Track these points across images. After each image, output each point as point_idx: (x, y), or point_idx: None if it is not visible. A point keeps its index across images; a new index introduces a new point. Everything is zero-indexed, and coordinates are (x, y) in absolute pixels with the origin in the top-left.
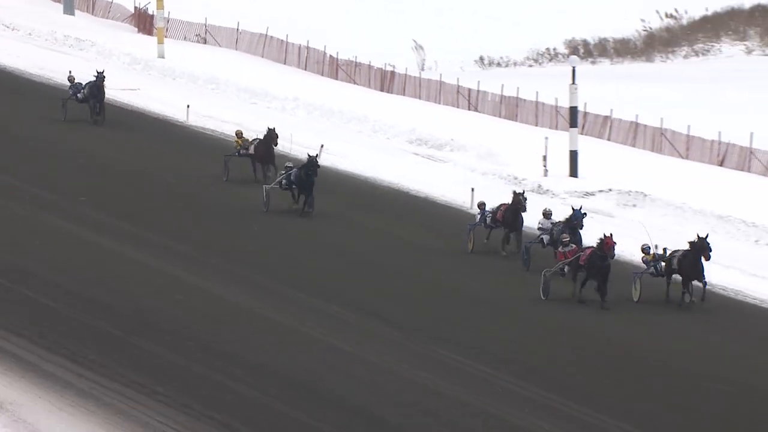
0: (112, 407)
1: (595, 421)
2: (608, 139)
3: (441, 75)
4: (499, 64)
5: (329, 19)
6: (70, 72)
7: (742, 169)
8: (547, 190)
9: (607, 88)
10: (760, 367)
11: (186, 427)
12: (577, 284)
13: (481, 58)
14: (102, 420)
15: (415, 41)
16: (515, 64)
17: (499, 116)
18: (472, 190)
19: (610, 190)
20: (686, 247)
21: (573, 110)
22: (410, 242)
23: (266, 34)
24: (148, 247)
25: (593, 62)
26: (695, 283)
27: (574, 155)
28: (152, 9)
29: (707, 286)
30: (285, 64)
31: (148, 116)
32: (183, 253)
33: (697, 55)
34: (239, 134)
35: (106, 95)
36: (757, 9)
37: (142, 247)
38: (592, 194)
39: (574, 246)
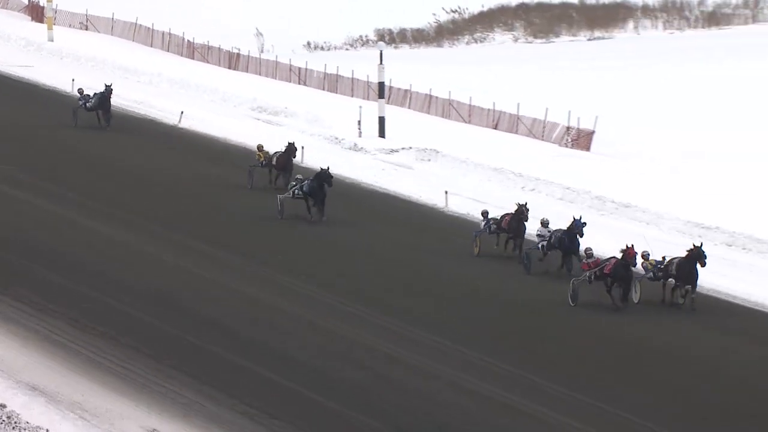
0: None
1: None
2: (408, 108)
3: (277, 56)
4: (322, 48)
5: (187, 9)
6: (73, 81)
7: (511, 131)
8: (361, 148)
9: (407, 67)
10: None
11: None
12: (610, 291)
13: (309, 43)
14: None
15: (257, 29)
16: (335, 47)
17: (323, 89)
18: (302, 147)
19: (410, 147)
20: (683, 254)
21: (381, 85)
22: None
23: (136, 23)
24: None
25: (396, 47)
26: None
27: (381, 120)
28: (43, 1)
29: (695, 294)
30: (151, 46)
31: (40, 88)
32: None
33: (476, 42)
34: (260, 147)
35: (113, 104)
36: (521, 6)
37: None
38: (396, 151)
39: (597, 257)
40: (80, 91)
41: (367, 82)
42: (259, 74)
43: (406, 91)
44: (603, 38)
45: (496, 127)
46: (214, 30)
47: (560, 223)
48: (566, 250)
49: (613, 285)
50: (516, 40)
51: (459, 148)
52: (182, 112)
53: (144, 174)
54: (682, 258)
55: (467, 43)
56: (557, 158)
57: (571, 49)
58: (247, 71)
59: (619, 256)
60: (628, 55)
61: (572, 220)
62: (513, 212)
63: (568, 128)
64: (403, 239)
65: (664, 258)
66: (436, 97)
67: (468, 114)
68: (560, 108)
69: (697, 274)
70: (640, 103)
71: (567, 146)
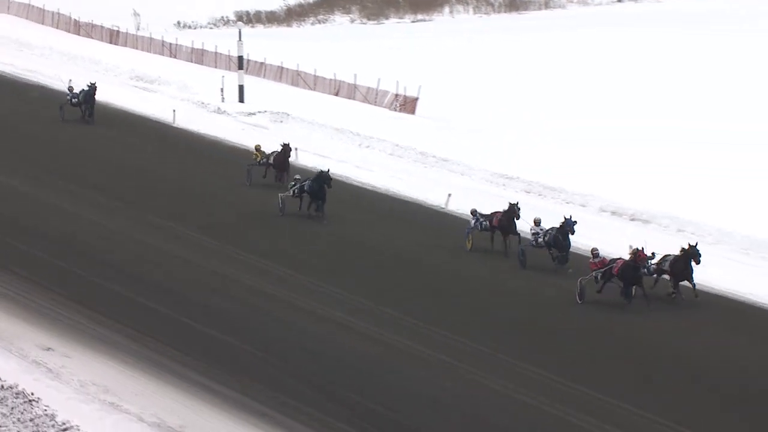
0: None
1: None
2: (263, 77)
3: (151, 33)
4: (190, 27)
5: None
6: (70, 81)
7: (350, 98)
8: (224, 111)
9: (261, 43)
10: None
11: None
12: (622, 290)
13: (178, 22)
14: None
15: (134, 9)
16: (201, 26)
17: (191, 62)
18: (174, 110)
19: (266, 111)
20: (678, 252)
21: (240, 58)
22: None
23: (29, 4)
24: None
25: (252, 26)
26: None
27: (241, 88)
28: None
29: (696, 286)
30: (43, 24)
31: None
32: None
33: (320, 23)
34: (258, 147)
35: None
36: None
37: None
38: (253, 114)
39: (603, 257)
40: (70, 88)
41: (228, 55)
42: (136, 49)
43: (261, 63)
44: (424, 20)
45: (337, 94)
46: (97, 10)
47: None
48: (560, 247)
49: (625, 285)
50: (353, 21)
51: (306, 111)
52: (70, 80)
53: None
54: (677, 255)
55: (312, 24)
56: (388, 120)
57: (398, 29)
58: (125, 46)
59: (625, 257)
60: (445, 35)
61: (564, 218)
62: (504, 210)
63: (396, 95)
64: (260, 188)
65: (653, 254)
66: (287, 69)
67: (313, 83)
68: (390, 78)
69: (692, 271)
70: (457, 73)
71: (396, 110)
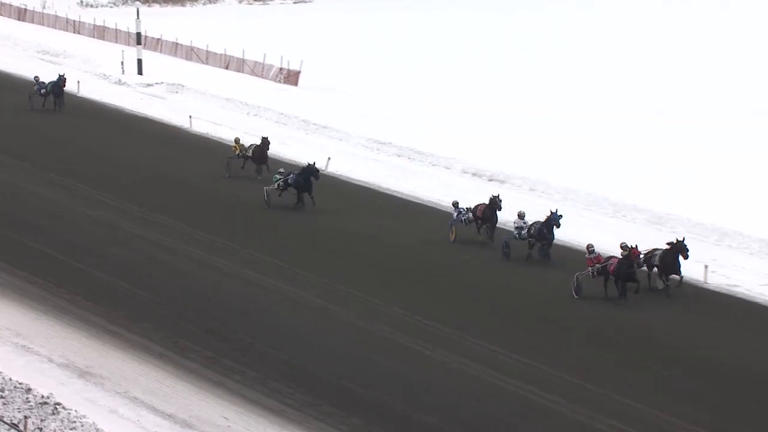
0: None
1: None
2: (160, 52)
3: (56, 11)
4: (92, 6)
5: None
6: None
7: (239, 71)
8: (124, 83)
9: (158, 21)
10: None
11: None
12: (608, 287)
13: (81, 1)
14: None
15: None
16: (102, 5)
17: (94, 37)
18: (78, 82)
19: (162, 82)
20: (665, 247)
21: (138, 34)
22: None
23: None
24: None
25: (150, 6)
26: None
27: (139, 62)
28: None
29: (683, 279)
30: None
31: None
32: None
33: (210, 3)
34: (237, 140)
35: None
36: None
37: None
38: (151, 85)
39: (598, 253)
40: (36, 78)
41: (128, 32)
42: (43, 25)
43: (157, 39)
44: (305, 2)
45: (227, 68)
46: None
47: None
48: (544, 240)
49: (616, 281)
50: (240, 1)
51: (199, 83)
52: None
53: None
54: (666, 250)
55: (204, 4)
56: (273, 91)
57: (281, 9)
58: (33, 23)
59: (616, 255)
60: (326, 12)
61: (549, 213)
62: (487, 203)
63: (281, 69)
64: (159, 152)
65: (635, 248)
66: (181, 45)
67: (205, 57)
68: (275, 53)
69: (680, 265)
70: (337, 48)
71: (280, 82)
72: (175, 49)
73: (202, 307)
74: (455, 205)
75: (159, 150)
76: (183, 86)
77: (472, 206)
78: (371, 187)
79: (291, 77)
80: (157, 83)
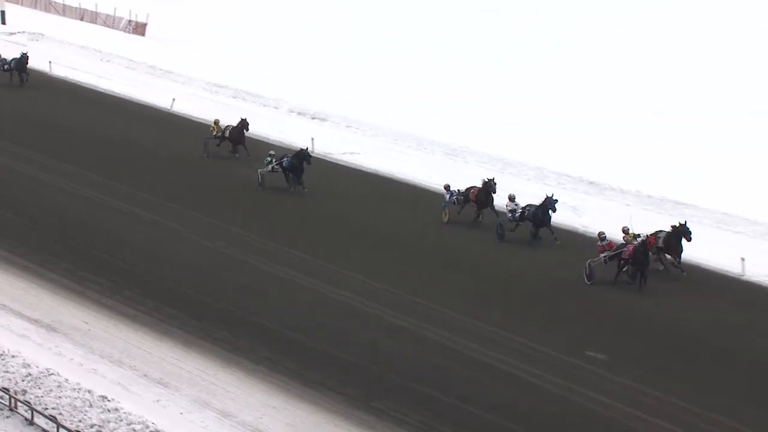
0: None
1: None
2: (21, 5)
3: None
4: None
5: None
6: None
7: (93, 22)
8: None
9: None
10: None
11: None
12: (620, 272)
13: None
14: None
15: None
16: None
17: None
18: None
19: (24, 32)
20: (668, 229)
21: None
22: None
23: None
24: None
25: None
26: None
27: (2, 13)
28: None
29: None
30: None
31: None
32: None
33: None
34: (216, 122)
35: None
36: None
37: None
38: (14, 33)
39: (609, 240)
40: None
41: None
42: None
43: None
44: None
45: (82, 19)
46: None
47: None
48: (540, 223)
49: (629, 268)
50: None
51: (57, 33)
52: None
53: None
54: (668, 233)
55: None
56: (123, 41)
57: None
58: None
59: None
60: None
61: (545, 197)
62: (480, 186)
63: (129, 21)
64: (18, 93)
65: (639, 235)
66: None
67: (62, 10)
68: (124, 6)
69: (682, 248)
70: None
71: (129, 33)
72: (35, 2)
73: (69, 231)
74: (447, 187)
75: (19, 91)
76: (43, 35)
77: (464, 189)
78: (209, 123)
79: (139, 28)
80: (19, 32)
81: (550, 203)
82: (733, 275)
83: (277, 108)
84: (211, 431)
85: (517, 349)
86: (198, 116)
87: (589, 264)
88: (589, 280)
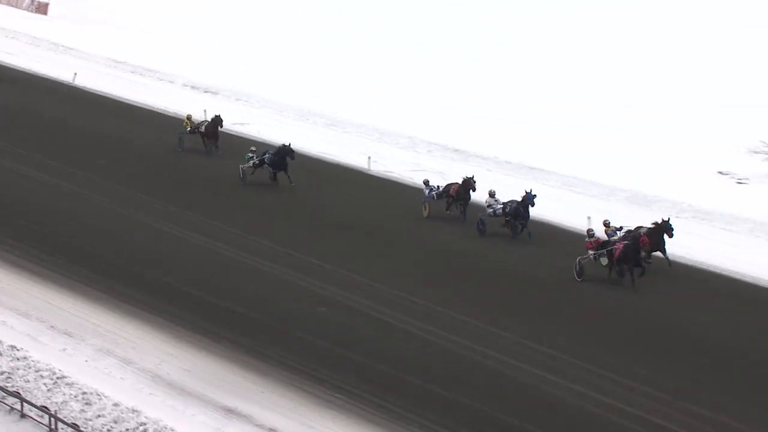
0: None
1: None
2: None
3: None
4: None
5: None
6: None
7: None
8: None
9: None
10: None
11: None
12: (612, 270)
13: None
14: None
15: None
16: None
17: None
18: None
19: None
20: (650, 225)
21: None
22: None
23: None
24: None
25: None
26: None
27: None
28: None
29: (669, 257)
30: None
31: None
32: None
33: None
34: (189, 117)
35: None
36: None
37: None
38: None
39: (597, 237)
40: None
41: None
42: None
43: None
44: None
45: None
46: None
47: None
48: (522, 218)
49: (621, 266)
50: None
51: None
52: None
53: None
54: (650, 228)
55: None
56: (27, 19)
57: None
58: None
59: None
60: None
61: (525, 193)
62: (460, 182)
63: (33, 0)
64: None
65: (621, 227)
66: None
67: None
68: None
69: (664, 243)
70: None
71: (32, 12)
72: None
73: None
74: (426, 183)
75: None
76: None
77: (443, 185)
78: (110, 96)
79: (41, 7)
80: None
81: (529, 198)
82: (581, 232)
83: (172, 82)
84: (114, 376)
85: (448, 323)
86: (98, 89)
87: (579, 261)
88: (579, 277)
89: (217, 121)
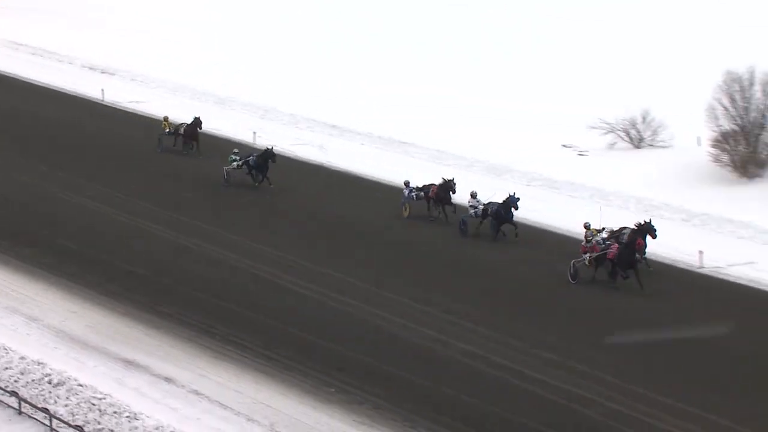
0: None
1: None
2: None
3: None
4: None
5: None
6: None
7: None
8: None
9: None
10: None
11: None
12: (597, 270)
13: None
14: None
15: None
16: None
17: None
18: None
19: None
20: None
21: None
22: None
23: None
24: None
25: None
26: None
27: None
28: None
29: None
30: None
31: None
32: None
33: None
34: (166, 118)
35: None
36: None
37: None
38: None
39: (595, 242)
40: None
41: None
42: None
43: None
44: None
45: None
46: None
47: None
48: (502, 220)
49: (615, 267)
50: None
51: None
52: None
53: None
54: (633, 230)
55: None
56: None
57: None
58: None
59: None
60: None
61: (508, 195)
62: (440, 184)
63: None
64: None
65: (603, 228)
66: None
67: None
68: None
69: (646, 244)
70: None
71: None
72: None
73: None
74: (406, 184)
75: None
76: None
77: (422, 186)
78: (11, 75)
79: None
80: None
81: (512, 201)
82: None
83: (71, 63)
84: (21, 333)
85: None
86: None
87: (573, 264)
88: (573, 279)
89: (197, 123)
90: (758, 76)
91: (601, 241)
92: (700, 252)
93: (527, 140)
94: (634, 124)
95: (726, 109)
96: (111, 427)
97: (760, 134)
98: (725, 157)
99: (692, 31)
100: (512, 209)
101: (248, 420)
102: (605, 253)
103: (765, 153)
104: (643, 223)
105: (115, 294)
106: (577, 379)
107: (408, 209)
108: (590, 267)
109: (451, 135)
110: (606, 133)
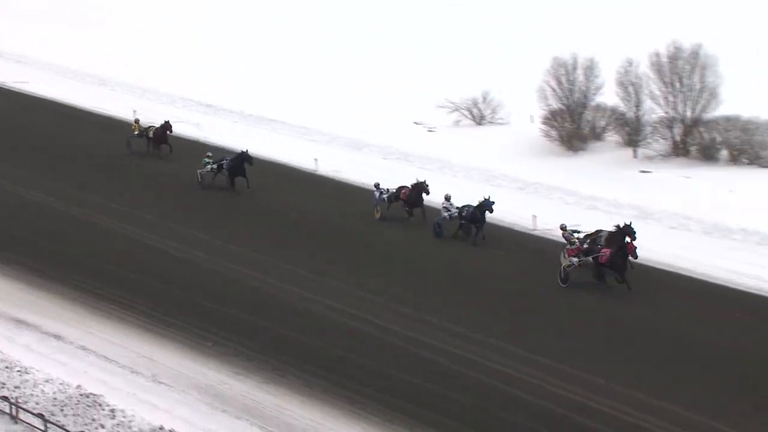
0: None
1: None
2: None
3: None
4: None
5: None
6: None
7: None
8: None
9: None
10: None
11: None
12: (594, 273)
13: None
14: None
15: None
16: None
17: None
18: None
19: None
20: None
21: None
22: None
23: None
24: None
25: None
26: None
27: None
28: None
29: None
30: None
31: None
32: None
33: None
34: (137, 121)
35: None
36: None
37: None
38: None
39: (578, 244)
40: None
41: None
42: None
43: None
44: None
45: None
46: None
47: None
48: (478, 223)
49: (607, 271)
50: None
51: None
52: None
53: None
54: (612, 232)
55: None
56: None
57: None
58: None
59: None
60: None
61: (483, 198)
62: (411, 186)
63: None
64: None
65: (578, 230)
66: None
67: None
68: None
69: (636, 247)
70: None
71: None
72: None
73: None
74: (377, 186)
75: None
76: None
77: (394, 188)
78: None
79: None
80: None
81: (487, 204)
82: (309, 170)
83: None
84: None
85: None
86: None
87: (564, 268)
88: (564, 283)
89: (166, 126)
90: (581, 62)
91: (577, 242)
92: (534, 216)
93: (383, 118)
94: (476, 104)
95: (554, 90)
96: (3, 380)
97: (582, 113)
98: (554, 133)
99: (524, 21)
100: (486, 212)
101: (132, 372)
102: (598, 257)
103: (587, 129)
104: (623, 225)
105: (4, 259)
106: (431, 331)
107: (380, 212)
108: (579, 267)
109: (316, 114)
110: (452, 112)
